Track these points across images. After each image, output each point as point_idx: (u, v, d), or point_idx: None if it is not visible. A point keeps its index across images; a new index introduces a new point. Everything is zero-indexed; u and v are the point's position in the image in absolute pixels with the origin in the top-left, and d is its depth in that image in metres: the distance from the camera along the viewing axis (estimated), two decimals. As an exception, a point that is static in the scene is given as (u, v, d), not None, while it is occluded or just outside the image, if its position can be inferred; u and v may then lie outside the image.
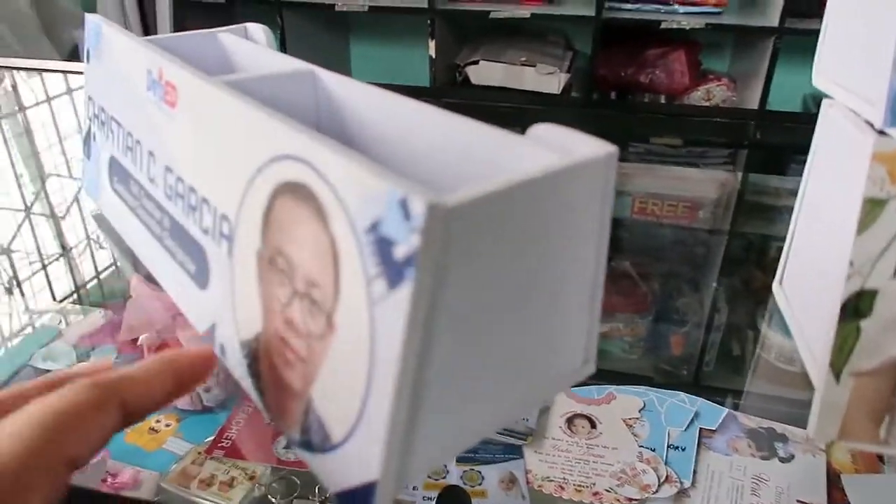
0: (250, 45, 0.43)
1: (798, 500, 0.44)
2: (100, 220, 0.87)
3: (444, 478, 0.47)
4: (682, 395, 0.56)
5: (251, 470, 0.51)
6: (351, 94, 0.33)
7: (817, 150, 0.49)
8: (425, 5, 2.00)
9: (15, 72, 1.27)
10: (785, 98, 2.00)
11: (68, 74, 1.23)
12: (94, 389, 0.22)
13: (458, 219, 0.18)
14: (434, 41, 2.05)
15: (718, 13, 1.91)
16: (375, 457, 0.20)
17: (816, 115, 0.49)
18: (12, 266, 0.79)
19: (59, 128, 1.11)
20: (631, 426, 0.53)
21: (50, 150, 1.08)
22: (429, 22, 2.02)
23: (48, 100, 1.20)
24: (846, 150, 0.41)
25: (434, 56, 2.07)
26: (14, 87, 1.24)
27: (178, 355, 0.25)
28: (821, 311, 0.42)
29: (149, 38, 0.42)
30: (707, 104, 2.03)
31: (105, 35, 0.41)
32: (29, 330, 0.69)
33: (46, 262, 0.81)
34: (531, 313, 0.24)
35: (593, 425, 0.53)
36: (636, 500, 0.45)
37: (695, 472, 0.47)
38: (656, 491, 0.45)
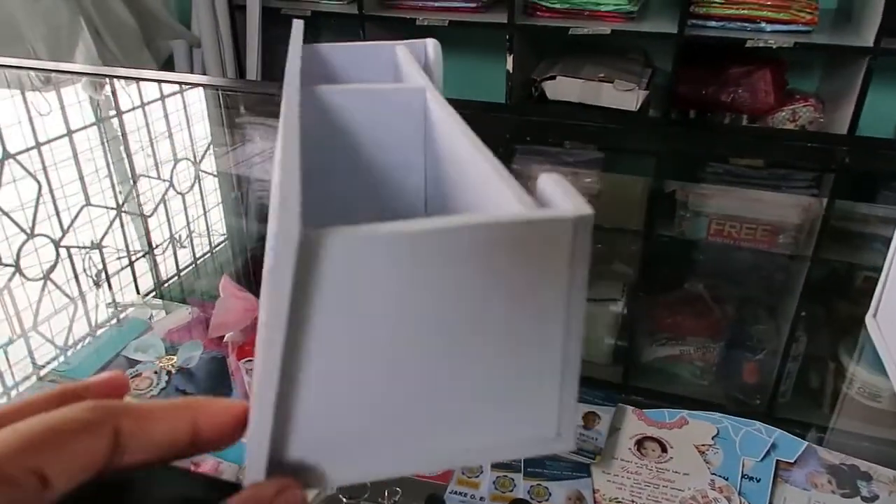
0: (411, 59, 0.43)
1: (881, 543, 0.42)
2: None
3: (511, 490, 0.47)
4: (759, 424, 0.54)
5: None
6: (435, 116, 0.34)
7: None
8: (505, 20, 2.02)
9: (115, 79, 1.34)
10: (877, 121, 1.92)
11: (162, 83, 1.29)
12: (91, 411, 0.21)
13: (329, 248, 0.19)
14: (512, 56, 2.06)
15: (808, 31, 1.84)
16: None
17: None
18: (103, 260, 0.83)
19: (151, 132, 1.17)
20: (703, 452, 0.52)
21: (142, 152, 1.13)
22: (507, 37, 2.03)
23: (142, 105, 1.27)
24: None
25: (511, 71, 2.08)
26: (113, 92, 1.32)
27: (205, 405, 0.23)
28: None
29: (325, 44, 0.43)
30: (793, 125, 1.96)
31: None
32: (114, 322, 0.72)
33: (133, 258, 0.85)
34: (469, 364, 0.23)
35: (664, 449, 0.52)
36: (707, 528, 0.44)
37: (770, 504, 0.46)
38: (728, 521, 0.44)
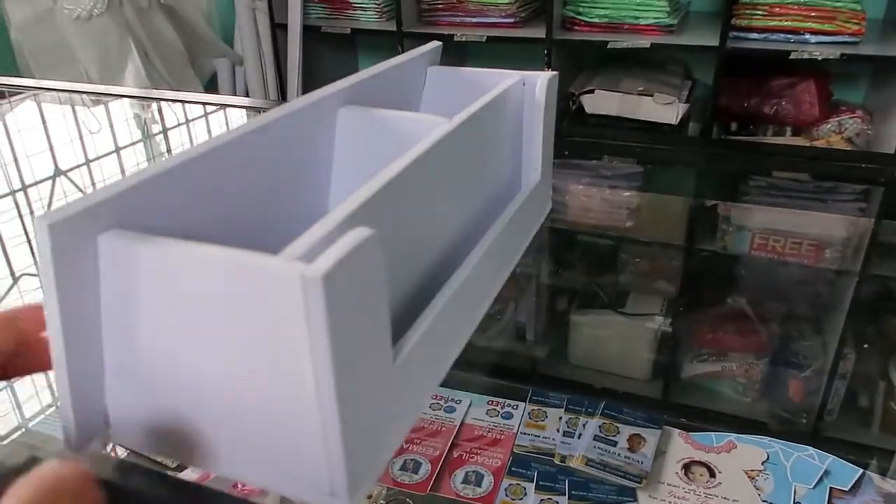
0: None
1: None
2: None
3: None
4: (811, 449, 0.52)
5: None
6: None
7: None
8: (543, 35, 2.02)
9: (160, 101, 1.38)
10: (928, 132, 1.86)
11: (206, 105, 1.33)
12: None
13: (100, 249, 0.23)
14: (550, 70, 2.05)
15: (855, 42, 1.80)
16: None
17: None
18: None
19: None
20: (753, 478, 0.50)
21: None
22: (545, 51, 2.03)
23: (186, 122, 1.31)
24: None
25: (549, 85, 2.07)
26: (160, 110, 1.36)
27: (17, 311, 0.25)
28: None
29: (455, 69, 0.44)
30: (838, 137, 1.91)
31: None
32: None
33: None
34: (224, 399, 0.24)
35: (712, 474, 0.51)
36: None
37: (821, 532, 0.44)
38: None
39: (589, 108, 2.04)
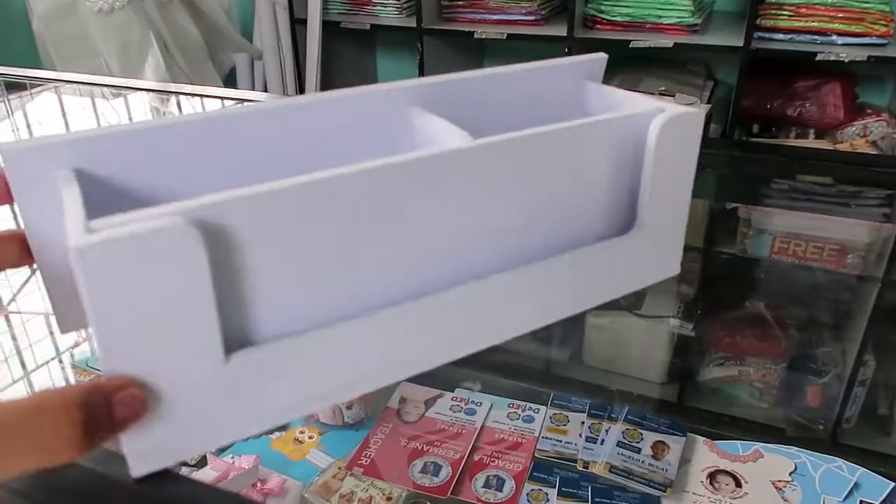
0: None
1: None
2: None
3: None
4: (840, 461, 0.51)
5: (388, 491, 0.52)
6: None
7: None
8: (564, 33, 2.00)
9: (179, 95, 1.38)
10: (955, 137, 1.82)
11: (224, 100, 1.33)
12: None
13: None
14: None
15: (883, 45, 1.77)
16: None
17: None
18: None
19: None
20: (781, 489, 0.49)
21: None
22: (567, 50, 2.02)
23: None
24: None
25: (569, 83, 2.06)
26: (178, 104, 1.36)
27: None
28: None
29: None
30: (863, 141, 1.89)
31: None
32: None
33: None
34: None
35: (738, 484, 0.50)
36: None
37: (851, 545, 0.43)
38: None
39: (609, 108, 2.02)
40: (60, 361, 0.78)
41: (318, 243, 0.26)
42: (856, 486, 0.49)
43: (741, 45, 1.82)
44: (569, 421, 0.65)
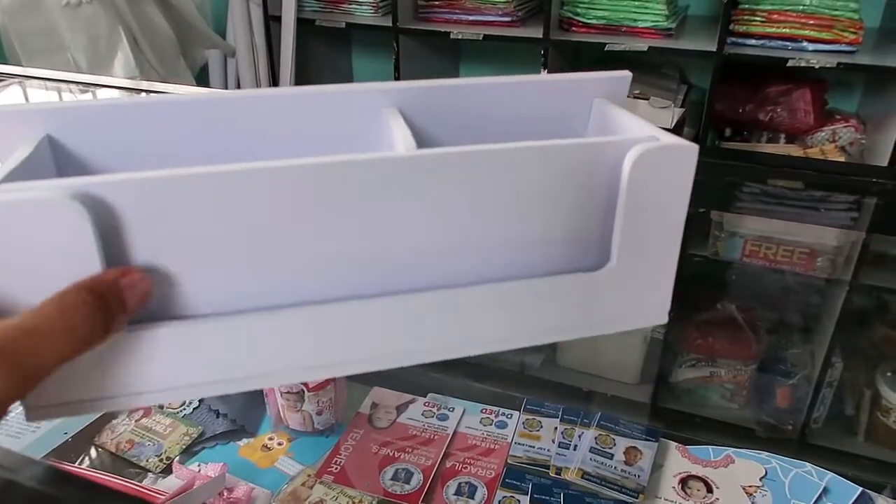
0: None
1: None
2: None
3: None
4: (809, 466, 0.52)
5: (358, 498, 0.51)
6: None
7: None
8: (540, 35, 2.01)
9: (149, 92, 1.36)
10: (921, 143, 1.86)
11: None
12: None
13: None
14: (546, 71, 2.04)
15: (852, 52, 1.80)
16: None
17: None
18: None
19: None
20: (751, 495, 0.50)
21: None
22: (542, 52, 2.02)
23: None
24: None
25: (544, 85, 2.06)
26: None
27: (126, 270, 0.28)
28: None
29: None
30: (832, 146, 1.92)
31: None
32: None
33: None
34: None
35: (709, 489, 0.50)
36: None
37: (818, 552, 0.43)
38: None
39: (584, 110, 2.03)
40: None
41: (222, 235, 0.27)
42: (825, 490, 0.49)
43: (714, 49, 1.84)
44: (542, 426, 0.65)
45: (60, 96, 1.30)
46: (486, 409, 0.68)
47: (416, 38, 2.22)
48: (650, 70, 2.12)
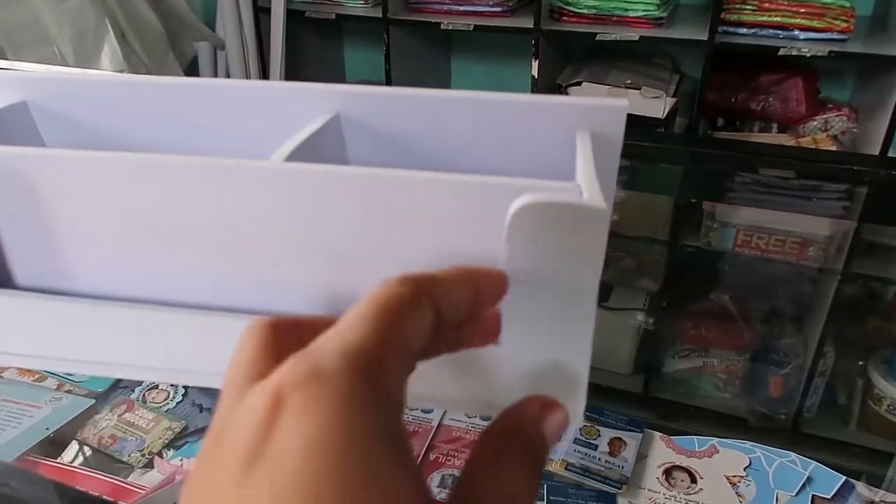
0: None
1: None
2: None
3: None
4: (793, 455, 0.52)
5: None
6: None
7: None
8: (531, 25, 2.00)
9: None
10: (913, 131, 1.86)
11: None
12: (406, 285, 0.20)
13: None
14: (537, 61, 2.04)
15: (843, 40, 1.80)
16: None
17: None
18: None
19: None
20: (735, 484, 0.49)
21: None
22: (533, 42, 2.01)
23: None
24: None
25: (536, 76, 2.06)
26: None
27: (477, 269, 0.22)
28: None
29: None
30: (825, 135, 1.91)
31: None
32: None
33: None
34: None
35: (693, 479, 0.50)
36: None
37: (803, 541, 0.43)
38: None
39: (575, 101, 2.02)
40: None
41: (103, 218, 0.28)
42: (808, 480, 0.49)
43: (706, 38, 1.84)
44: (528, 417, 0.65)
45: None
46: (473, 401, 0.68)
47: (406, 29, 2.20)
48: (642, 59, 2.11)
